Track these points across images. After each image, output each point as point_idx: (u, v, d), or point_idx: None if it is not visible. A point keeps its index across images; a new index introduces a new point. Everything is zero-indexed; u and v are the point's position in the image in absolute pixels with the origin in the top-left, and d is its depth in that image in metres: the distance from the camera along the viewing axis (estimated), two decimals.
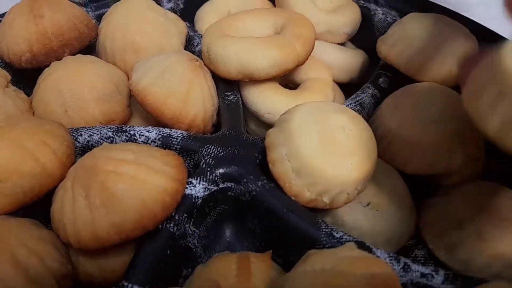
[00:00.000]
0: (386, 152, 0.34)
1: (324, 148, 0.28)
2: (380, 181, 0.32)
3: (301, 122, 0.29)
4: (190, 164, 0.33)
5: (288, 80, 0.40)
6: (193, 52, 0.41)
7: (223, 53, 0.34)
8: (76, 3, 0.44)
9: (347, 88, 0.43)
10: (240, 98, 0.37)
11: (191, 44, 0.42)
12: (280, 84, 0.40)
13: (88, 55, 0.37)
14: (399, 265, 0.26)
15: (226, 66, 0.35)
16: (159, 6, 0.41)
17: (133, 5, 0.39)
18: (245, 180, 0.30)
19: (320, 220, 0.28)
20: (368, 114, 0.37)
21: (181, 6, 0.49)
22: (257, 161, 0.31)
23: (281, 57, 0.34)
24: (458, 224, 0.31)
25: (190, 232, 0.29)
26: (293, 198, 0.29)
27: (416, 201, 0.35)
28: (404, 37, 0.36)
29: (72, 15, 0.38)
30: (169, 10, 0.48)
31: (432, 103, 0.33)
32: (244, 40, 0.34)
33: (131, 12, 0.38)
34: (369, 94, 0.37)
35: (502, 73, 0.17)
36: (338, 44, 0.43)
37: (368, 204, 0.31)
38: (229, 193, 0.31)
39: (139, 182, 0.26)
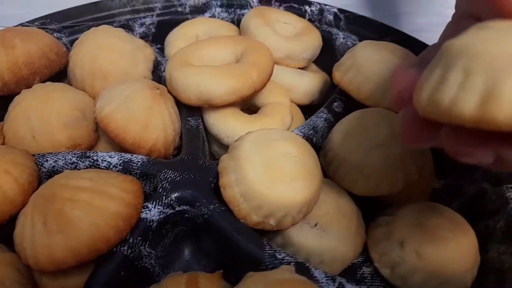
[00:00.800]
0: (335, 174, 0.36)
1: (268, 174, 0.30)
2: (329, 202, 0.34)
3: (248, 150, 0.31)
4: (150, 188, 0.35)
5: (250, 104, 0.42)
6: (160, 77, 0.44)
7: (183, 82, 0.36)
8: (50, 29, 0.47)
9: (309, 109, 0.46)
10: (201, 123, 0.39)
11: (158, 69, 0.44)
12: (243, 107, 0.42)
13: (56, 83, 0.39)
14: (334, 285, 0.28)
15: (186, 94, 0.37)
16: (127, 34, 0.43)
17: (101, 34, 0.41)
18: (198, 203, 0.32)
19: (265, 242, 0.30)
20: (322, 137, 0.39)
21: (153, 30, 0.51)
22: (212, 185, 0.33)
23: (237, 85, 0.36)
24: (400, 243, 0.33)
25: (146, 253, 0.31)
26: (242, 221, 0.31)
27: (369, 219, 0.37)
28: (355, 64, 0.39)
29: (43, 44, 0.40)
30: (141, 34, 0.50)
31: (377, 128, 0.35)
32: (203, 69, 0.37)
33: (99, 40, 0.40)
34: (322, 119, 0.39)
35: (463, 53, 0.17)
36: (299, 68, 0.46)
37: (315, 225, 0.33)
38: (186, 215, 0.33)
39: (94, 208, 0.28)
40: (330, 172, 0.37)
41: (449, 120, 0.17)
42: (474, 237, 0.34)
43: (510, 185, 0.34)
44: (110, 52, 0.40)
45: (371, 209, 0.38)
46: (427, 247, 0.32)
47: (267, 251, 0.29)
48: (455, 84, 0.17)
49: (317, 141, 0.38)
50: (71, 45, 0.45)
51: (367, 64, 0.38)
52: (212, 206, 0.31)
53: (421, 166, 0.35)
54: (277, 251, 0.29)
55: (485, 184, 0.36)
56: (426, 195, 0.39)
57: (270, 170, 0.30)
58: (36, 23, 0.46)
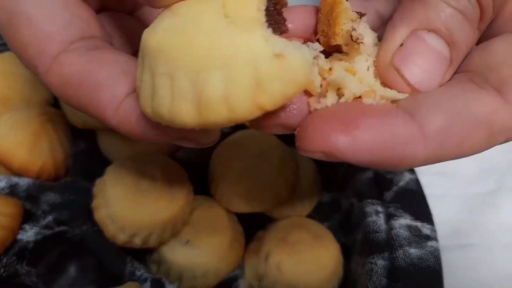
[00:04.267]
0: (215, 193, 0.38)
1: (131, 198, 0.32)
2: (203, 220, 0.37)
3: (114, 175, 0.33)
4: (37, 209, 0.37)
5: None
6: None
7: (69, 108, 0.39)
8: None
9: None
10: (91, 145, 0.41)
11: None
12: None
13: None
14: None
15: (72, 118, 0.39)
16: None
17: (3, 61, 0.43)
18: (73, 224, 0.34)
19: (127, 261, 0.32)
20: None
21: None
22: (90, 206, 0.36)
23: None
24: (265, 256, 0.36)
25: (23, 271, 0.33)
26: (111, 240, 0.33)
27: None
28: None
29: None
30: None
31: (248, 149, 0.37)
32: None
33: (0, 67, 0.43)
34: None
35: (161, 57, 0.16)
36: None
37: (187, 242, 0.36)
38: (67, 235, 0.35)
39: None
40: (211, 191, 0.39)
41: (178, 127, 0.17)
42: (335, 250, 0.36)
43: (369, 200, 0.36)
44: (10, 79, 0.42)
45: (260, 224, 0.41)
46: (287, 261, 0.34)
47: (128, 269, 0.32)
48: (167, 93, 0.16)
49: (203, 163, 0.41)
50: None
51: None
52: (85, 226, 0.34)
53: (292, 184, 0.38)
54: (137, 269, 0.32)
55: (353, 199, 0.39)
56: (309, 209, 0.42)
57: (132, 195, 0.32)
58: None
